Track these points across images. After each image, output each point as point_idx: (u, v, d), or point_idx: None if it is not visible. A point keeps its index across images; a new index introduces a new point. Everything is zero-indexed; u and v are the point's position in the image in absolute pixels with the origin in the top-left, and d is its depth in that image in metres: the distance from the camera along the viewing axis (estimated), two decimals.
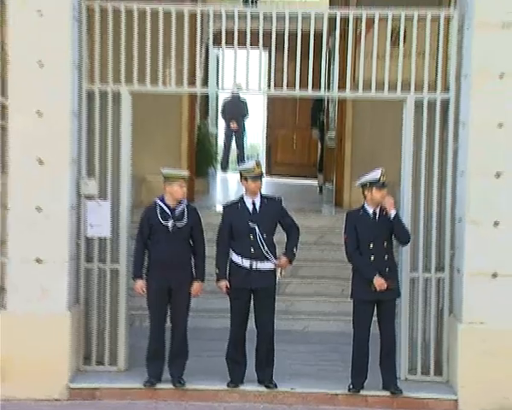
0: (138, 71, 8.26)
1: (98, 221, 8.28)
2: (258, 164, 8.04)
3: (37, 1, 7.77)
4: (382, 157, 9.19)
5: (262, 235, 7.86)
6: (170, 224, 7.85)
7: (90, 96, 8.28)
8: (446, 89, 8.32)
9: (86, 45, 8.25)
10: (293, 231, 8.05)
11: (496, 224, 7.84)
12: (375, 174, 7.81)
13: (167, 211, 7.88)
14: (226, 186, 16.35)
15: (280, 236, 8.08)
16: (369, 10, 8.37)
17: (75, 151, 8.12)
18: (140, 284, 7.91)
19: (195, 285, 7.98)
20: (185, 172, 8.19)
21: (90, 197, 8.28)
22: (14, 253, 7.94)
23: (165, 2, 8.27)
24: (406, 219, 8.13)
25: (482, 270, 7.87)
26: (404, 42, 8.32)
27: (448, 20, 8.34)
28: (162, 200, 7.94)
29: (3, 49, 8.00)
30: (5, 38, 7.92)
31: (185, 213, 7.93)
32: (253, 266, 7.85)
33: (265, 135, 18.85)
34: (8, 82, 7.89)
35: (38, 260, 7.90)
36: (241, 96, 17.14)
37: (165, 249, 7.82)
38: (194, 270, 7.99)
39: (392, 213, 7.79)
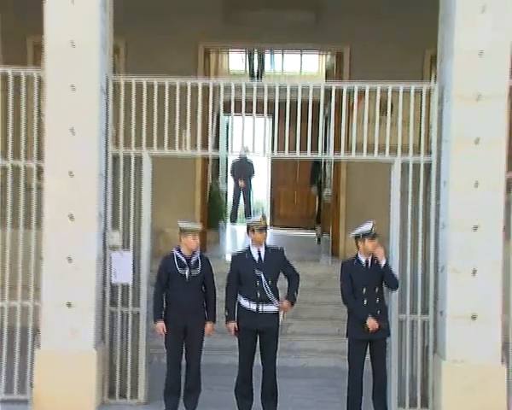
0: (158, 137, 8.32)
1: (121, 269, 8.33)
2: (264, 217, 8.12)
3: (70, 77, 7.87)
4: (373, 212, 9.20)
5: (267, 281, 7.91)
6: (186, 272, 7.91)
7: (116, 159, 8.34)
8: (429, 152, 8.35)
9: (112, 114, 8.35)
10: (294, 277, 8.10)
11: (474, 272, 7.86)
12: (367, 227, 7.88)
13: (184, 260, 7.93)
14: (235, 237, 16.36)
15: (282, 282, 8.14)
16: (360, 84, 8.44)
17: (102, 207, 8.19)
18: (161, 325, 7.93)
19: (208, 326, 8.03)
20: (199, 226, 8.23)
21: (114, 248, 8.34)
22: (47, 298, 7.98)
23: (181, 77, 8.42)
24: (395, 267, 8.15)
25: (463, 313, 7.87)
26: (392, 111, 8.35)
27: (429, 92, 8.38)
28: (179, 250, 8.00)
29: (40, 118, 8.15)
30: (42, 109, 8.06)
31: (199, 262, 7.97)
32: (259, 309, 7.88)
33: (269, 191, 18.92)
34: (44, 147, 8.00)
35: (69, 305, 7.94)
36: (248, 157, 17.23)
37: (182, 295, 7.87)
38: (206, 312, 8.06)
39: (383, 262, 7.86)
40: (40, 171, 8.09)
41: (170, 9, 10.97)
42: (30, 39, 10.56)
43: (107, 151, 8.27)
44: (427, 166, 8.32)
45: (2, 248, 8.14)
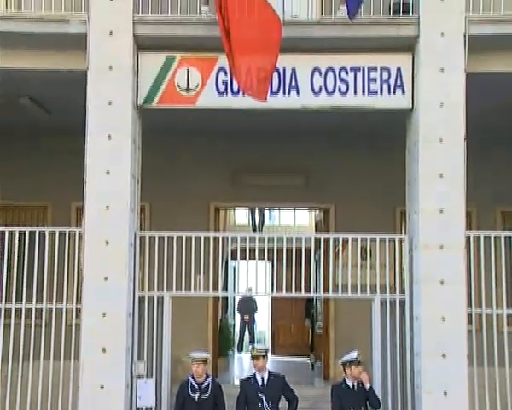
0: (176, 280, 8.35)
1: (145, 395, 8.21)
2: (254, 349, 8.06)
3: (104, 234, 7.98)
4: (358, 341, 9.15)
5: (268, 403, 7.77)
6: (197, 396, 7.80)
7: (141, 299, 8.35)
8: (403, 291, 8.38)
9: (139, 263, 8.39)
10: (293, 401, 7.94)
11: (445, 393, 7.78)
12: (353, 355, 7.80)
13: (195, 385, 7.82)
14: (242, 364, 16.11)
15: (283, 403, 8.02)
16: (344, 235, 8.59)
17: (130, 342, 8.15)
18: None
19: None
20: (205, 355, 8.05)
21: (139, 377, 8.23)
22: None
23: (195, 232, 8.52)
24: (377, 389, 8.03)
25: None
26: (371, 257, 8.41)
27: (401, 242, 8.52)
28: (192, 376, 7.91)
29: (79, 269, 8.24)
30: (81, 263, 8.16)
31: (210, 386, 7.85)
32: None
33: (270, 324, 18.80)
34: (82, 292, 8.06)
35: None
36: (252, 296, 17.17)
37: None
38: None
39: (368, 385, 7.74)
40: (78, 312, 8.12)
41: (187, 176, 11.22)
42: (74, 204, 10.79)
43: (134, 294, 8.29)
44: (402, 303, 8.32)
45: (45, 380, 8.04)
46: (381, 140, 10.08)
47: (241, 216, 17.89)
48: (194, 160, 11.20)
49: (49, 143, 10.78)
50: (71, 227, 9.23)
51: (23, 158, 11.00)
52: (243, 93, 7.99)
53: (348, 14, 7.90)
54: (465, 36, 7.99)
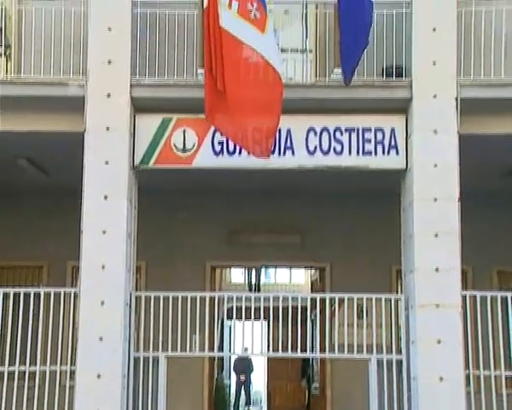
0: (172, 340, 8.24)
1: None
2: None
3: (100, 294, 7.95)
4: (355, 402, 9.09)
5: None
6: None
7: (136, 360, 8.27)
8: (400, 351, 8.33)
9: (134, 323, 8.35)
10: None
11: None
12: None
13: None
14: None
15: None
16: (339, 294, 8.57)
17: (125, 403, 8.01)
18: None
19: None
20: None
21: None
22: None
23: (191, 291, 8.49)
24: None
25: None
26: (367, 316, 8.38)
27: (397, 301, 8.50)
28: None
29: (74, 329, 8.18)
30: (76, 323, 8.09)
31: None
32: None
33: (266, 384, 18.62)
34: (77, 352, 7.97)
35: None
36: (248, 356, 17.05)
37: None
38: None
39: None
40: (72, 374, 8.02)
41: (183, 234, 11.24)
42: (70, 264, 10.79)
43: (129, 354, 8.21)
44: (399, 363, 8.26)
45: None
46: (376, 199, 10.15)
47: (237, 274, 17.90)
48: (190, 218, 11.24)
49: (46, 203, 10.84)
50: (66, 287, 9.21)
51: (19, 217, 11.03)
52: (248, 153, 8.02)
53: (344, 78, 8.07)
54: (457, 99, 8.14)
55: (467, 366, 7.96)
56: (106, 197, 8.13)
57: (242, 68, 7.77)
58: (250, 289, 16.38)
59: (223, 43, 7.59)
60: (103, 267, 8.01)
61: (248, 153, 8.03)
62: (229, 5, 7.68)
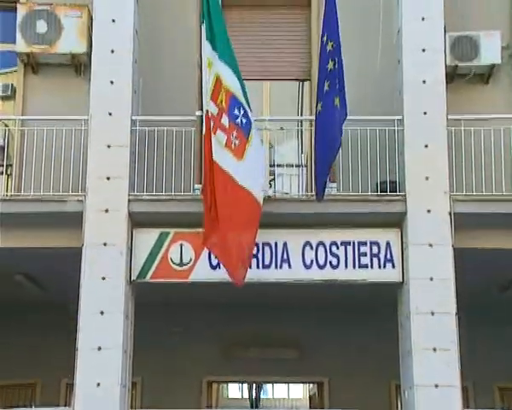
0: None
1: None
2: None
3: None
4: None
5: None
6: None
7: None
8: None
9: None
10: None
11: None
12: None
13: None
14: None
15: None
16: None
17: None
18: None
19: None
20: None
21: None
22: None
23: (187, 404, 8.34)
24: None
25: None
26: None
27: None
28: None
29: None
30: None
31: None
32: None
33: None
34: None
35: None
36: None
37: None
38: None
39: None
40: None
41: (179, 349, 11.12)
42: (63, 381, 10.61)
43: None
44: None
45: None
46: (373, 313, 10.13)
47: (233, 390, 17.61)
48: (186, 332, 11.16)
49: (39, 319, 10.73)
50: (59, 407, 9.06)
51: (11, 334, 10.86)
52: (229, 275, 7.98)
53: (316, 194, 8.24)
54: (450, 213, 8.29)
55: None
56: (102, 313, 8.13)
57: (226, 187, 7.87)
58: (252, 406, 16.07)
59: (215, 177, 7.73)
60: (98, 385, 7.93)
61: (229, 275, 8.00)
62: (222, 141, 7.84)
